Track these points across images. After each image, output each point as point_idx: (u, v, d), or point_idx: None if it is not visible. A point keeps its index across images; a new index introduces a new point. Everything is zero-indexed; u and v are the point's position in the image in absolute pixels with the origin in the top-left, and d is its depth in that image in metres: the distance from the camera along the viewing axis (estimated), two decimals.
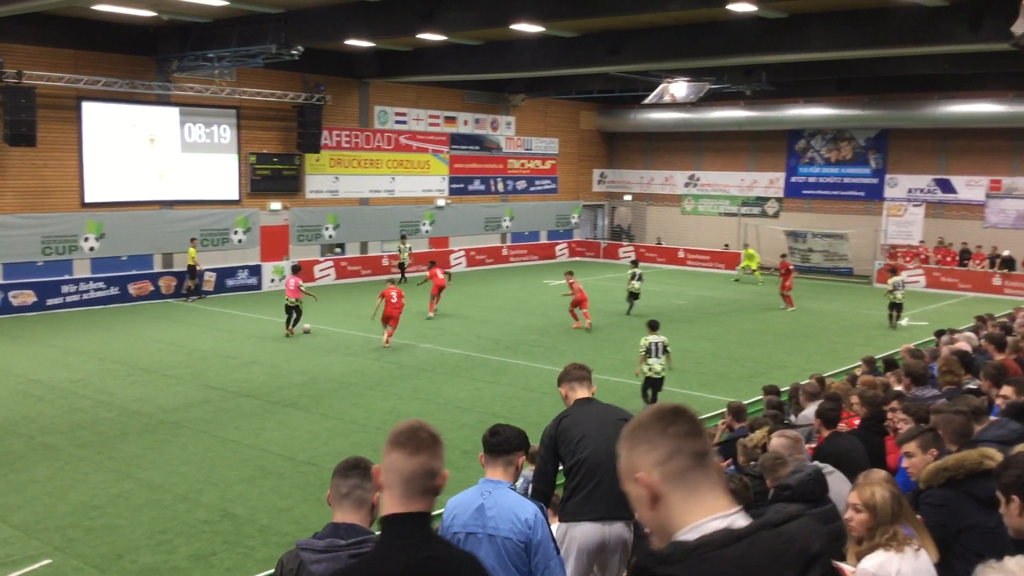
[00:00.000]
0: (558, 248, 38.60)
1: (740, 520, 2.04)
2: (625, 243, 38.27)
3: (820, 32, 20.85)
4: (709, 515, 2.05)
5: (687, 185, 38.91)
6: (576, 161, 39.89)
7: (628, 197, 40.77)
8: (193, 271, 25.78)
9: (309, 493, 10.81)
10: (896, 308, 23.16)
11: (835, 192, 35.16)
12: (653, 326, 15.04)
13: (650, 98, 29.74)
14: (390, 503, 2.71)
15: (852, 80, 30.69)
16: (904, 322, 23.55)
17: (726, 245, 36.23)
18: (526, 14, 19.57)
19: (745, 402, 11.14)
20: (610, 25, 22.74)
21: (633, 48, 23.67)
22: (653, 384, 14.65)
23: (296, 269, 21.66)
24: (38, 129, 22.61)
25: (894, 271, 25.31)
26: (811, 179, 35.76)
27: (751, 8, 18.15)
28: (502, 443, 4.49)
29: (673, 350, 15.50)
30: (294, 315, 20.80)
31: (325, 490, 10.87)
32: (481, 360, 18.48)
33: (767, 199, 36.74)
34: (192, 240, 26.07)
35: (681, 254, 36.55)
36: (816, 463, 5.85)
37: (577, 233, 40.04)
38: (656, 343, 14.63)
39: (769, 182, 36.67)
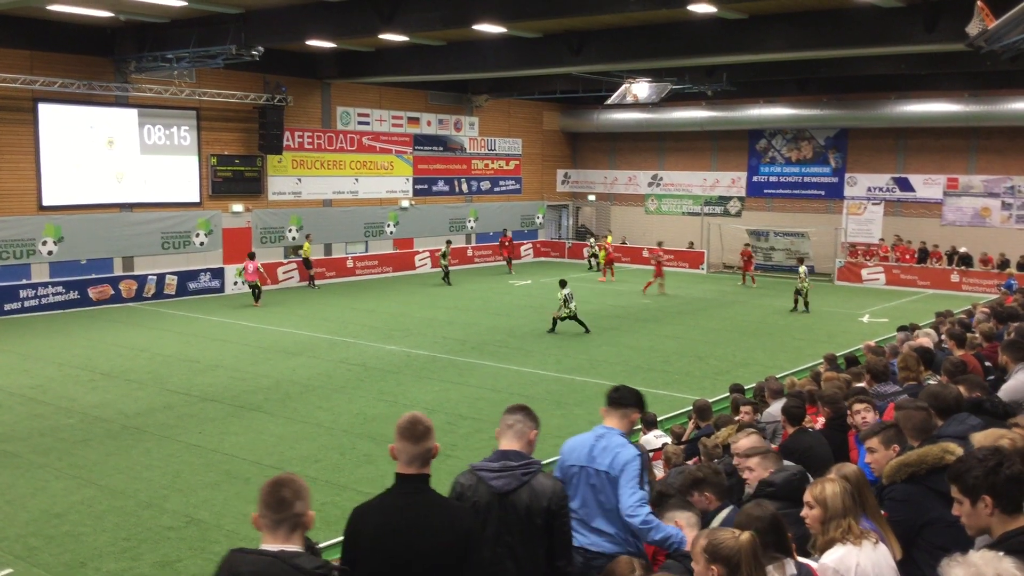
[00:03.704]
0: (523, 248, 38.65)
1: None
2: (589, 243, 38.35)
3: (779, 33, 21.12)
4: None
5: (651, 185, 39.16)
6: (540, 161, 39.98)
7: (592, 197, 40.94)
8: (309, 263, 29.08)
9: None
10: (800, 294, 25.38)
11: (796, 191, 35.57)
12: (563, 283, 21.93)
13: (613, 98, 29.86)
14: (401, 468, 4.01)
15: (812, 80, 31.11)
16: (865, 319, 23.92)
17: (691, 244, 36.51)
18: (488, 15, 19.58)
19: (711, 400, 11.24)
20: (572, 26, 22.83)
21: (595, 48, 23.78)
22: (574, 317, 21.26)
23: (252, 256, 25.42)
24: None
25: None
26: (772, 178, 36.15)
27: (711, 9, 18.32)
28: (620, 398, 5.27)
29: (640, 349, 16.10)
30: (258, 291, 25.07)
31: None
32: (447, 361, 18.46)
33: (729, 198, 37.09)
34: (308, 236, 29.44)
35: (645, 253, 36.74)
36: (798, 464, 5.85)
37: (542, 233, 40.13)
38: (569, 293, 21.55)
39: (731, 181, 37.02)
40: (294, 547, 3.27)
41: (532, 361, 18.49)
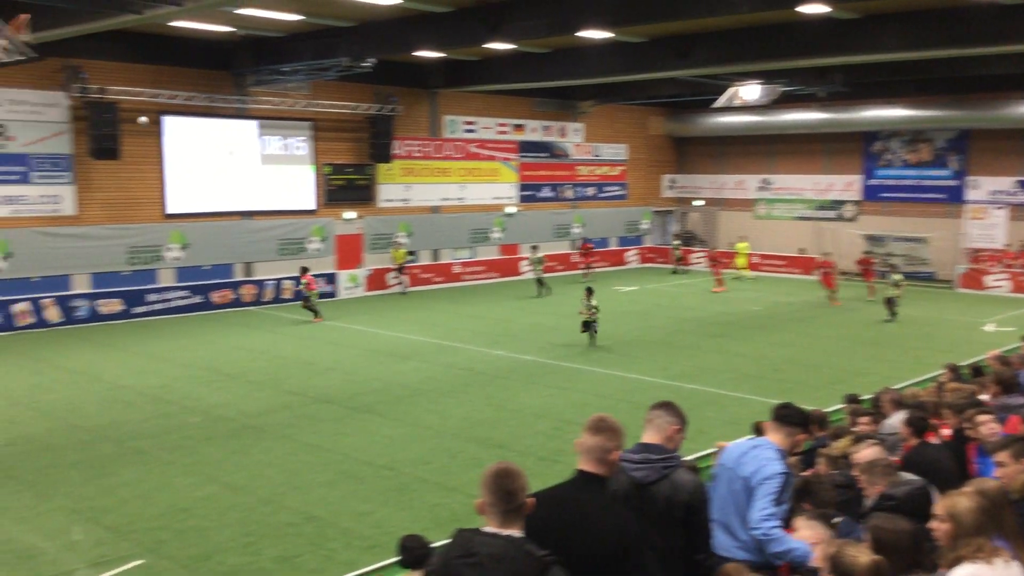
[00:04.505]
0: (628, 254, 38.43)
1: None
2: (696, 249, 37.88)
3: (895, 32, 20.40)
4: None
5: (760, 189, 38.38)
6: (645, 167, 39.69)
7: (699, 202, 40.39)
8: (403, 269, 29.56)
9: (389, 497, 10.98)
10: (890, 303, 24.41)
11: (914, 195, 34.27)
12: (590, 291, 21.08)
13: (720, 102, 29.41)
14: (582, 463, 4.11)
15: (930, 80, 29.89)
16: (989, 327, 22.89)
17: (802, 250, 35.63)
18: (594, 21, 19.57)
19: (825, 410, 10.96)
20: (679, 29, 22.59)
21: (703, 52, 23.47)
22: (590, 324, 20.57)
23: (305, 269, 24.99)
24: (121, 143, 23.43)
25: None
26: (889, 182, 34.93)
27: (824, 9, 17.86)
28: (787, 416, 5.33)
29: (749, 356, 17.22)
30: (310, 305, 24.37)
31: (404, 495, 11.06)
32: (553, 366, 18.52)
33: (844, 202, 36.02)
34: (398, 242, 29.81)
35: (755, 259, 36.04)
36: (919, 477, 5.68)
37: (647, 239, 39.80)
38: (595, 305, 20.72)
39: (845, 185, 35.94)
40: (518, 533, 3.42)
41: (638, 367, 18.38)
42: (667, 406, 4.76)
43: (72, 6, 16.72)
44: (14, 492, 11.22)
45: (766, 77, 28.10)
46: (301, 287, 24.92)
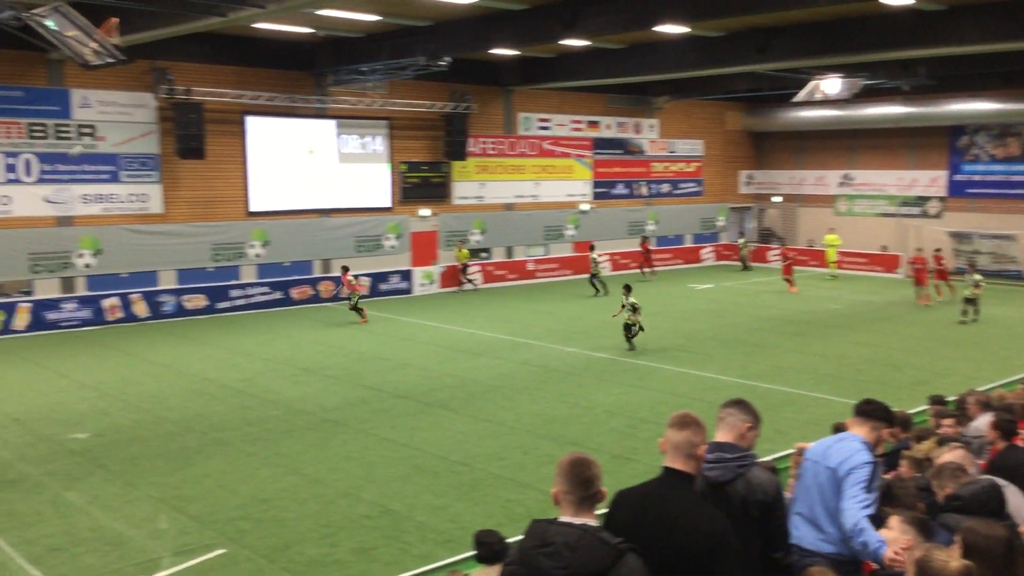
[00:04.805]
0: (703, 252, 37.99)
1: None
2: (775, 246, 37.24)
3: (981, 24, 19.71)
4: None
5: (841, 185, 37.53)
6: (722, 163, 39.16)
7: (777, 198, 39.69)
8: (466, 268, 29.60)
9: (463, 492, 11.09)
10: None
11: (1002, 191, 33.10)
12: (628, 289, 20.38)
13: (800, 96, 28.83)
14: (667, 461, 3.98)
15: (1018, 73, 28.81)
16: None
17: (884, 247, 34.74)
18: (671, 15, 19.40)
19: (909, 411, 10.69)
20: (757, 23, 22.24)
21: (782, 45, 23.06)
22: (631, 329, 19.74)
23: (346, 269, 24.52)
24: (206, 142, 24.12)
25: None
26: (976, 177, 33.79)
27: (907, 0, 17.39)
28: (871, 411, 5.35)
29: (829, 356, 17.27)
30: (356, 305, 23.75)
31: (478, 490, 11.14)
32: (627, 364, 18.44)
33: (928, 199, 34.98)
34: (461, 242, 29.89)
35: (835, 257, 35.27)
36: (990, 476, 5.58)
37: (723, 236, 39.28)
38: (635, 303, 19.78)
39: (930, 181, 34.91)
40: (593, 521, 3.47)
41: (714, 366, 18.17)
42: (739, 403, 4.68)
43: (159, 9, 17.28)
44: (104, 481, 11.66)
45: (847, 70, 27.46)
46: (341, 288, 24.70)
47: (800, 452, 5.85)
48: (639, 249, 33.74)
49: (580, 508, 3.50)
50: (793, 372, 17.63)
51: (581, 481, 3.52)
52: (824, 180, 38.02)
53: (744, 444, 4.56)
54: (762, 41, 23.10)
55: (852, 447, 5.12)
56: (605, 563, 3.33)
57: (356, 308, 23.64)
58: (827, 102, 31.37)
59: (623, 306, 19.92)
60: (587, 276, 29.36)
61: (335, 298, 25.89)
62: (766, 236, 39.97)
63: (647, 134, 36.19)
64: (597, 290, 28.51)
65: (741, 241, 36.72)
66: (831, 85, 27.91)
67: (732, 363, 18.50)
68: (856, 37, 21.75)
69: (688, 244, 37.88)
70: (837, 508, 4.95)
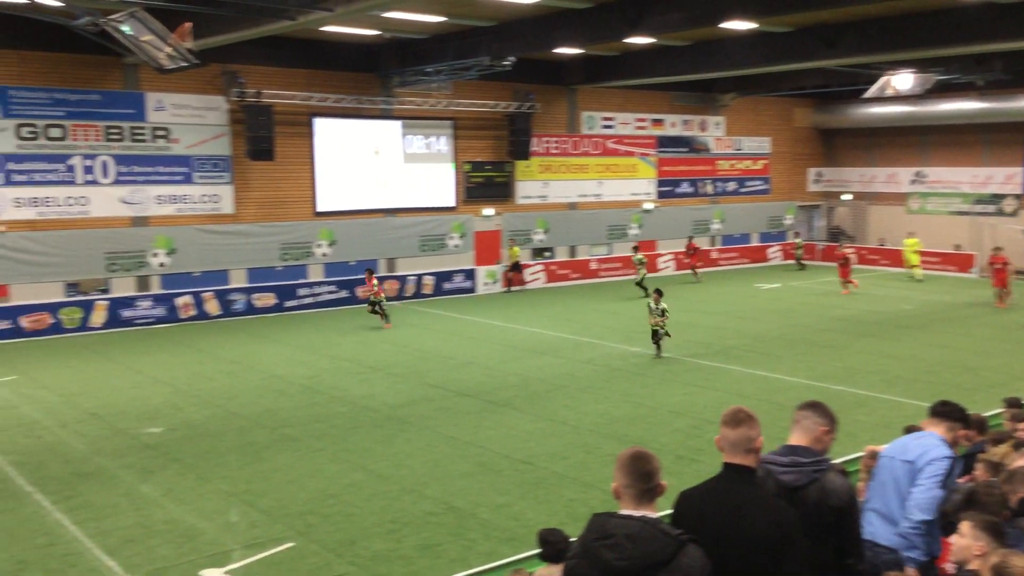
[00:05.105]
0: (770, 251, 37.43)
1: None
2: (796, 241, 36.48)
3: None
4: None
5: (913, 183, 36.62)
6: (790, 160, 38.54)
7: (847, 196, 38.91)
8: (519, 266, 29.30)
9: (526, 491, 11.12)
10: None
11: None
12: (660, 293, 19.43)
13: (871, 92, 28.23)
14: (726, 456, 4.01)
15: None
16: None
17: (957, 246, 33.81)
18: (737, 11, 19.16)
19: (984, 414, 10.40)
20: (826, 18, 21.85)
21: (851, 40, 22.61)
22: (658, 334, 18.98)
23: (371, 272, 23.49)
24: (276, 144, 24.59)
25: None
26: None
27: None
28: (948, 412, 5.47)
29: (900, 358, 16.93)
30: (378, 308, 22.83)
31: (541, 489, 11.12)
32: (692, 364, 18.28)
33: (1004, 196, 33.93)
34: (513, 241, 29.59)
35: (917, 261, 34.39)
36: None
37: (790, 235, 38.64)
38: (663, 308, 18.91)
39: (1006, 178, 33.83)
40: (654, 514, 3.51)
41: (782, 367, 17.91)
42: (815, 406, 4.62)
43: (231, 14, 17.67)
44: (178, 474, 11.97)
45: (920, 65, 26.79)
46: (366, 291, 23.80)
47: (872, 455, 5.77)
48: (685, 250, 32.94)
49: (641, 501, 3.53)
50: (863, 374, 17.28)
51: (641, 474, 3.55)
52: (895, 177, 37.14)
53: (819, 448, 4.51)
54: (831, 36, 22.69)
55: (931, 443, 5.15)
56: (666, 554, 3.36)
57: (377, 311, 22.73)
58: (899, 98, 30.72)
59: (652, 310, 19.00)
60: (662, 274, 29.12)
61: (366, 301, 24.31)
62: (835, 234, 39.21)
63: (713, 131, 35.80)
64: (645, 291, 28.09)
65: (796, 240, 36.05)
66: (903, 81, 27.28)
67: (800, 364, 18.21)
68: (929, 31, 21.22)
69: (754, 243, 37.35)
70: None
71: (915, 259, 31.98)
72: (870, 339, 20.82)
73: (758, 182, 37.54)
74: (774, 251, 37.56)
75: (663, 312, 18.84)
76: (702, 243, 35.13)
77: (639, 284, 28.13)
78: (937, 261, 33.74)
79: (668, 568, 3.33)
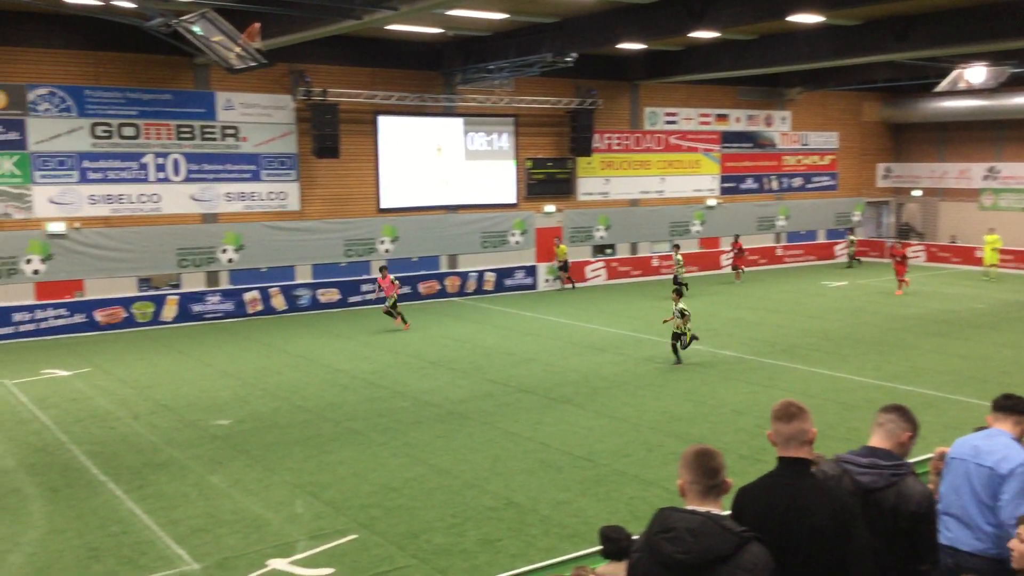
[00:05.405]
0: (837, 248, 36.74)
1: None
2: (914, 242, 35.68)
3: None
4: None
5: (985, 178, 35.59)
6: (858, 155, 37.76)
7: (917, 192, 37.99)
8: (566, 265, 28.92)
9: (586, 487, 11.12)
10: None
11: None
12: (679, 292, 19.01)
13: (943, 85, 27.51)
14: (780, 451, 4.04)
15: None
16: None
17: None
18: (805, 4, 18.85)
19: None
20: (897, 10, 21.36)
21: (923, 33, 22.07)
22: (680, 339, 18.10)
23: (384, 269, 22.67)
24: (341, 142, 24.93)
25: None
26: None
27: None
28: (1013, 405, 5.31)
29: (971, 358, 16.56)
30: (393, 309, 22.07)
31: (601, 486, 11.10)
32: (755, 363, 18.06)
33: None
34: (559, 239, 29.32)
35: (979, 253, 33.50)
36: None
37: (859, 232, 37.87)
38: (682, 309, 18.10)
39: None
40: (718, 510, 3.54)
41: (848, 366, 17.59)
42: (899, 410, 4.58)
43: (298, 14, 17.97)
44: (245, 466, 12.24)
45: (993, 58, 26.01)
46: (377, 290, 22.89)
47: (940, 457, 5.66)
48: (730, 249, 31.69)
49: (705, 497, 3.55)
50: (932, 374, 16.89)
51: (706, 471, 3.57)
52: (968, 173, 36.14)
53: (900, 452, 4.49)
54: (902, 29, 22.18)
55: (1004, 443, 5.02)
56: (726, 549, 3.36)
57: (391, 311, 22.04)
58: (971, 92, 29.85)
59: (674, 314, 18.13)
60: (731, 270, 28.70)
61: (379, 300, 23.42)
62: (904, 231, 38.32)
63: (778, 126, 35.27)
64: (685, 287, 27.45)
65: (849, 237, 35.22)
66: (976, 74, 26.52)
67: (867, 363, 17.86)
68: (1003, 23, 20.59)
69: (821, 240, 36.69)
70: (994, 506, 4.88)
71: (994, 257, 31.03)
72: (940, 338, 20.33)
73: (825, 178, 36.87)
74: (841, 248, 36.85)
75: (682, 314, 18.01)
76: (766, 240, 34.64)
77: (678, 282, 27.35)
78: (1011, 259, 32.76)
79: (729, 564, 3.34)
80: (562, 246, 29.47)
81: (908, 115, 37.01)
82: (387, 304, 22.08)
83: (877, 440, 4.52)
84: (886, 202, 39.07)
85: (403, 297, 26.62)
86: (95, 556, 9.40)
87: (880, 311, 24.24)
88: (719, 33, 23.33)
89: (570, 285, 29.32)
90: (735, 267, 30.79)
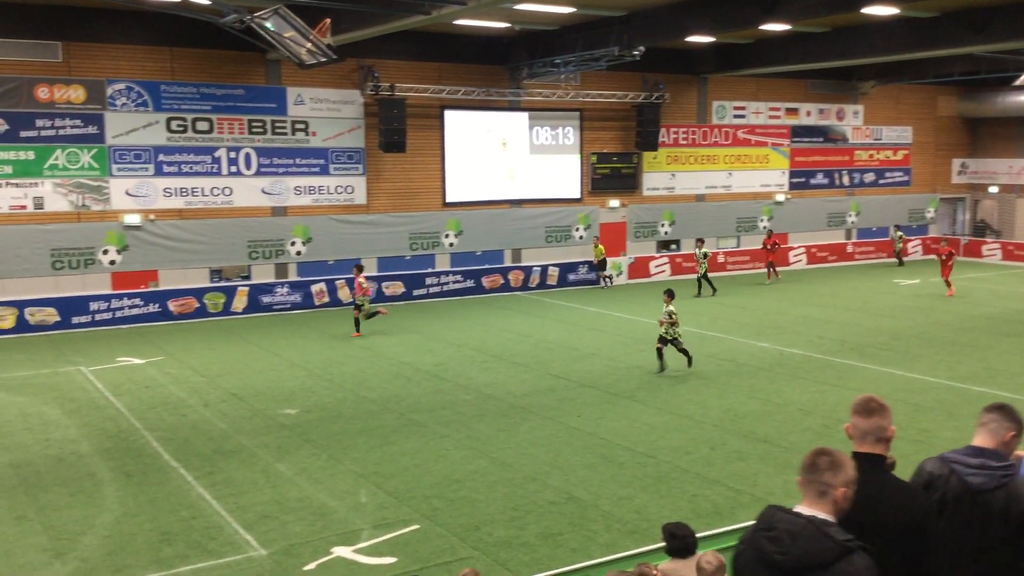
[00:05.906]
0: (911, 245, 35.85)
1: None
2: (990, 240, 34.63)
3: None
4: None
5: None
6: (933, 150, 36.77)
7: (994, 189, 36.85)
8: (604, 263, 28.52)
9: (648, 484, 11.07)
10: None
11: None
12: (671, 294, 17.30)
13: (1022, 79, 26.65)
14: (856, 445, 4.05)
15: None
16: None
17: None
18: None
19: None
20: (974, 2, 20.74)
21: (1002, 25, 21.38)
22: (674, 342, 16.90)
23: (360, 268, 21.61)
24: (407, 136, 25.16)
25: None
26: None
27: None
28: None
29: None
30: (361, 312, 21.06)
31: (663, 483, 11.03)
32: (823, 362, 17.74)
33: None
34: (597, 238, 28.85)
35: None
36: None
37: (933, 229, 36.91)
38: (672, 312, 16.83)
39: None
40: (825, 515, 3.49)
41: (919, 367, 17.18)
42: (1003, 409, 4.52)
43: (368, 9, 18.17)
44: (311, 455, 12.47)
45: None
46: (355, 292, 21.53)
47: (1019, 460, 5.52)
48: (763, 247, 30.16)
49: (817, 500, 3.52)
50: (1008, 375, 16.40)
51: (816, 468, 3.56)
52: None
53: (1006, 452, 4.44)
54: (980, 21, 21.52)
55: None
56: (826, 557, 3.33)
57: (366, 314, 21.09)
58: None
59: (666, 317, 16.87)
60: (765, 268, 28.21)
61: (352, 303, 22.45)
62: (980, 229, 37.22)
63: (850, 121, 34.53)
64: (713, 288, 26.61)
65: (897, 234, 34.02)
66: None
67: (939, 364, 17.42)
68: None
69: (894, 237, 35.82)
70: None
71: None
72: (1016, 339, 19.72)
73: (898, 173, 35.99)
74: (914, 245, 35.96)
75: (670, 316, 16.74)
76: (836, 237, 33.96)
77: (704, 279, 26.81)
78: None
79: (827, 572, 3.30)
80: (600, 246, 28.92)
81: (985, 109, 35.90)
82: (359, 306, 21.01)
83: (981, 440, 4.48)
84: (961, 199, 38.00)
85: (467, 290, 26.87)
86: (166, 540, 9.67)
87: (953, 310, 23.61)
88: (790, 26, 22.92)
89: (605, 284, 28.81)
90: (770, 265, 29.46)
